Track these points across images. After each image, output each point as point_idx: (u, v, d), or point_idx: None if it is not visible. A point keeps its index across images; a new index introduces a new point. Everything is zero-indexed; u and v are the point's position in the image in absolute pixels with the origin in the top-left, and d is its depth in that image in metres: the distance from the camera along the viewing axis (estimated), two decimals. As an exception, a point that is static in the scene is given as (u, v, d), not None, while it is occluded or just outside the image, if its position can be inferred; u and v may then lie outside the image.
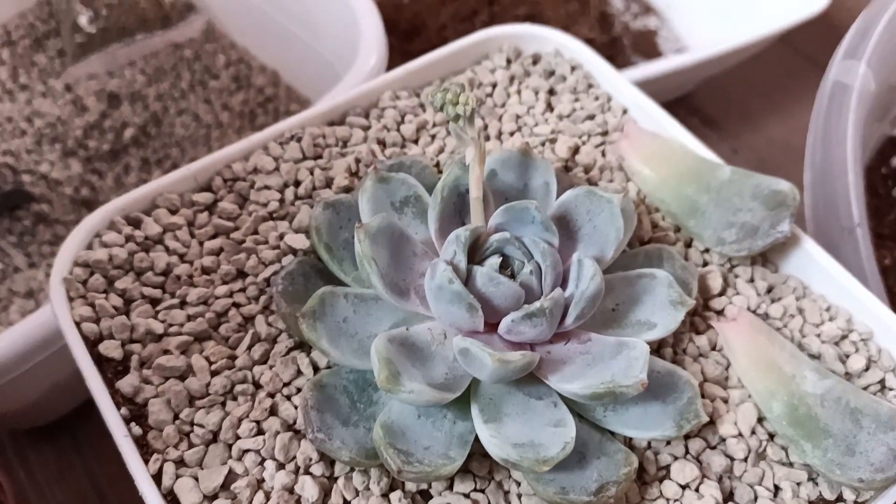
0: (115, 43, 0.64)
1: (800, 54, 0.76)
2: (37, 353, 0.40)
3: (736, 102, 0.74)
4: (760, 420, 0.31)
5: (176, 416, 0.30)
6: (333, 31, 0.58)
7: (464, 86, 0.30)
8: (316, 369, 0.31)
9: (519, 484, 0.29)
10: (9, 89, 0.62)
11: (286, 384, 0.31)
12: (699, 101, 0.74)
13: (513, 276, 0.30)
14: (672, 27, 0.76)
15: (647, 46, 0.74)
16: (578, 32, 0.71)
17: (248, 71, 0.65)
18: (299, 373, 0.31)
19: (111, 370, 0.31)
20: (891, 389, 0.32)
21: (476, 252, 0.31)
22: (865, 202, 0.54)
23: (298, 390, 0.31)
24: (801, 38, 0.75)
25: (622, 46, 0.73)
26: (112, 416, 0.29)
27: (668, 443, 0.30)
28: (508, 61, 0.42)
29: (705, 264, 0.36)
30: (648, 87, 0.55)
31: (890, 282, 0.48)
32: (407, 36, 0.70)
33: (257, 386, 0.31)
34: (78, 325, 0.31)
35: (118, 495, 0.48)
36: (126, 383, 0.30)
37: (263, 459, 0.29)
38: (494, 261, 0.30)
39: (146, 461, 0.28)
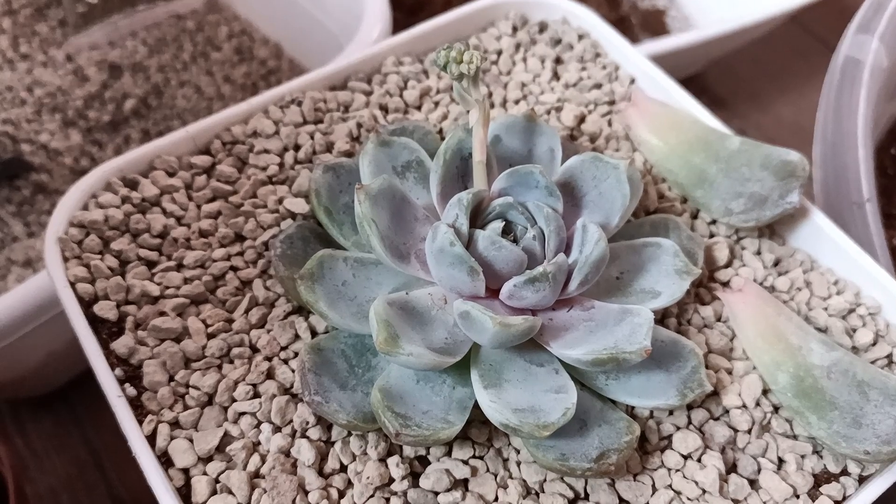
0: (117, 13, 0.64)
1: (810, 34, 0.75)
2: (33, 319, 0.40)
3: (745, 83, 0.73)
4: (765, 392, 0.31)
5: (171, 378, 0.29)
6: (339, 2, 0.57)
7: (469, 44, 0.29)
8: (314, 334, 0.31)
9: (518, 451, 0.29)
10: (9, 58, 0.61)
11: (283, 348, 0.30)
12: (708, 81, 0.73)
13: (515, 242, 0.29)
14: (680, 7, 0.75)
15: (656, 26, 0.73)
16: (586, 9, 0.70)
17: (250, 43, 0.64)
18: (297, 337, 0.31)
19: (106, 331, 0.30)
20: (899, 363, 0.32)
21: (478, 217, 0.30)
22: (875, 182, 0.53)
23: (296, 354, 0.30)
24: (811, 18, 0.74)
25: (630, 25, 0.72)
26: (106, 377, 0.29)
27: (671, 413, 0.30)
28: (514, 29, 0.42)
29: (711, 236, 0.35)
30: (657, 63, 0.54)
31: (898, 262, 0.47)
32: (412, 11, 0.69)
33: (254, 349, 0.30)
34: (73, 285, 0.31)
35: (116, 465, 0.48)
36: (121, 344, 0.29)
37: (259, 422, 0.28)
38: (497, 225, 0.30)
39: (140, 422, 0.28)
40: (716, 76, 0.72)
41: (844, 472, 0.29)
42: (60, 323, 0.32)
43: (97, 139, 0.58)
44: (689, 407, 0.30)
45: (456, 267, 0.28)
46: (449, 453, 0.28)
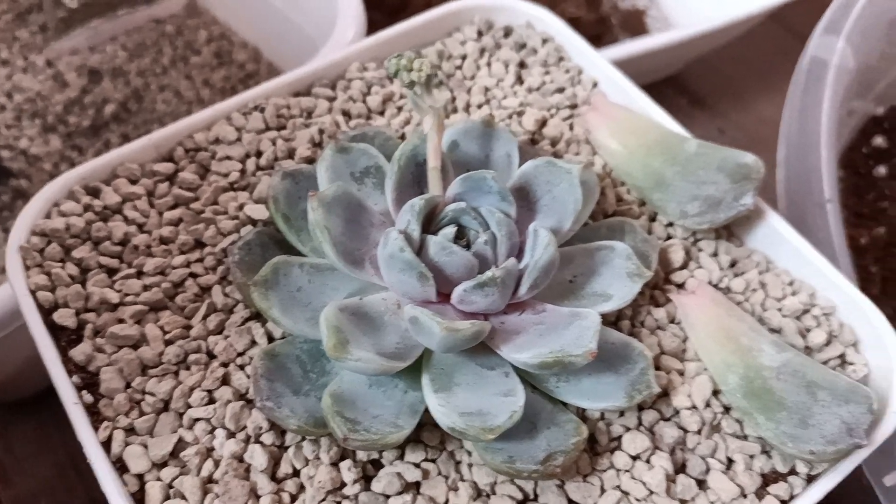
0: (98, 18, 0.64)
1: (791, 32, 0.75)
2: (6, 325, 0.40)
3: (726, 82, 0.73)
4: (716, 393, 0.31)
5: (128, 385, 0.30)
6: (314, 4, 0.58)
7: (420, 52, 0.29)
8: (271, 339, 0.31)
9: (470, 454, 0.29)
10: (-10, 64, 0.62)
11: (240, 354, 0.31)
12: (688, 80, 0.73)
13: (468, 247, 0.30)
14: (661, 7, 0.75)
15: (636, 26, 0.73)
16: (565, 10, 0.70)
17: (229, 47, 0.64)
18: (254, 343, 0.31)
19: (65, 339, 0.31)
20: (850, 364, 0.32)
21: (432, 222, 0.31)
22: (846, 181, 0.54)
23: (252, 360, 0.31)
24: (792, 16, 0.74)
25: (610, 25, 0.73)
26: (63, 384, 0.29)
27: (622, 414, 0.30)
28: (479, 33, 0.42)
29: (669, 238, 0.35)
30: (634, 65, 0.54)
31: (866, 261, 0.47)
32: (393, 12, 0.69)
33: (211, 356, 0.31)
34: (33, 293, 0.31)
35: (95, 469, 0.48)
36: (79, 351, 0.30)
37: (214, 428, 0.29)
38: (449, 230, 0.30)
39: (96, 428, 0.29)
40: (696, 75, 0.73)
41: (792, 472, 0.30)
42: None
43: (77, 144, 0.58)
44: (641, 408, 0.30)
45: (406, 273, 0.28)
46: (402, 457, 0.29)
